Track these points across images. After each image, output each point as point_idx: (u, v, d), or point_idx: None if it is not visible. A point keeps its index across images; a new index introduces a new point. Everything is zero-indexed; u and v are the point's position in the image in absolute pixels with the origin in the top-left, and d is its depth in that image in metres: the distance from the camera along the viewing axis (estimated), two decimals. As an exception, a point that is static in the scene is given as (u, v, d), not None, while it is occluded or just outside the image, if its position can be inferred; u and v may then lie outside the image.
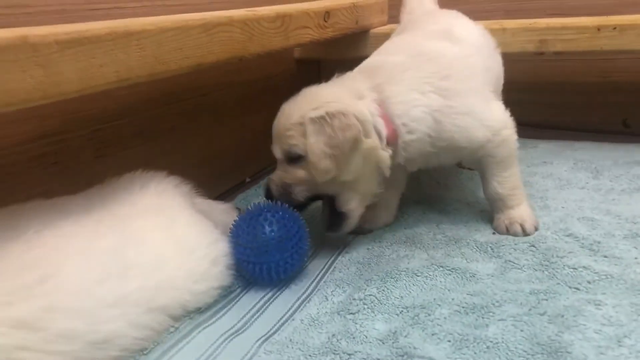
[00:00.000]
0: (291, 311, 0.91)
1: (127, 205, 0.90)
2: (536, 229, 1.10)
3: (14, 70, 0.65)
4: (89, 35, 0.74)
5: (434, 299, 0.89)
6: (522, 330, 0.79)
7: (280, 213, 0.97)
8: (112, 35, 0.77)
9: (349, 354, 0.78)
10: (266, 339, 0.84)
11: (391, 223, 1.21)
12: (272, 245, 0.93)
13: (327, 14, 1.37)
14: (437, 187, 1.40)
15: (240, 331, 0.86)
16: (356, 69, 1.13)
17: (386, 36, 1.62)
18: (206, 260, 0.90)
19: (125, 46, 0.80)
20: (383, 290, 0.93)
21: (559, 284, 0.91)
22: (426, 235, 1.13)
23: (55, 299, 0.71)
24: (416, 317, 0.85)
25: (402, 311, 0.87)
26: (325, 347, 0.80)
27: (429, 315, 0.85)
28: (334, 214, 1.05)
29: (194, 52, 0.93)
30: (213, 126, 1.46)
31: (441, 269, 0.98)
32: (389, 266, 1.01)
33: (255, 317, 0.90)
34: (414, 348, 0.77)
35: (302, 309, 0.91)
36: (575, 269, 0.94)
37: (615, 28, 1.42)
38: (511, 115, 1.11)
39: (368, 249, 1.10)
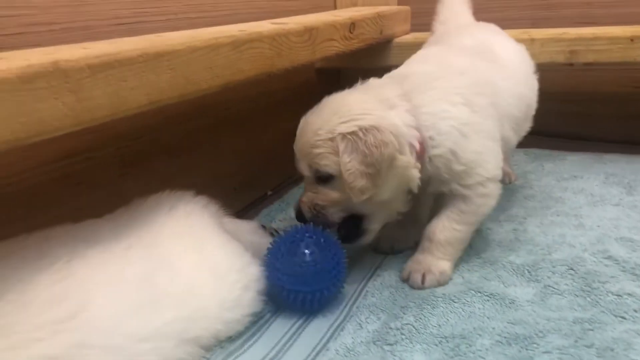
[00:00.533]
0: (325, 340, 0.87)
1: (156, 229, 0.86)
2: (440, 284, 0.99)
3: (47, 98, 0.62)
4: (120, 58, 0.71)
5: (474, 327, 0.86)
6: (570, 365, 0.75)
7: (322, 241, 0.92)
8: (144, 57, 0.74)
9: (390, 390, 0.74)
10: (302, 370, 0.80)
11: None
12: (311, 276, 0.89)
13: (352, 25, 1.33)
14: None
15: (273, 361, 0.83)
16: (385, 76, 1.06)
17: (409, 45, 1.60)
18: (238, 286, 0.86)
19: (155, 67, 0.76)
20: (420, 318, 0.89)
21: (603, 312, 0.87)
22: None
23: (86, 334, 0.68)
24: (456, 349, 0.81)
25: (441, 341, 0.83)
26: (364, 382, 0.76)
27: (470, 346, 0.81)
28: (348, 225, 1.00)
29: (222, 71, 0.89)
30: (234, 139, 1.43)
31: (479, 294, 0.95)
32: (424, 291, 0.97)
33: (287, 345, 0.87)
34: (458, 383, 0.74)
35: (336, 338, 0.87)
36: (620, 295, 0.91)
37: (649, 38, 1.38)
38: (536, 126, 1.05)
39: (400, 271, 1.05)
